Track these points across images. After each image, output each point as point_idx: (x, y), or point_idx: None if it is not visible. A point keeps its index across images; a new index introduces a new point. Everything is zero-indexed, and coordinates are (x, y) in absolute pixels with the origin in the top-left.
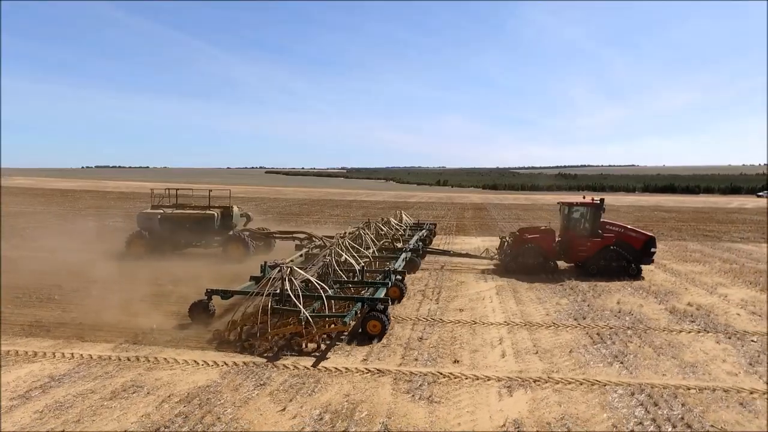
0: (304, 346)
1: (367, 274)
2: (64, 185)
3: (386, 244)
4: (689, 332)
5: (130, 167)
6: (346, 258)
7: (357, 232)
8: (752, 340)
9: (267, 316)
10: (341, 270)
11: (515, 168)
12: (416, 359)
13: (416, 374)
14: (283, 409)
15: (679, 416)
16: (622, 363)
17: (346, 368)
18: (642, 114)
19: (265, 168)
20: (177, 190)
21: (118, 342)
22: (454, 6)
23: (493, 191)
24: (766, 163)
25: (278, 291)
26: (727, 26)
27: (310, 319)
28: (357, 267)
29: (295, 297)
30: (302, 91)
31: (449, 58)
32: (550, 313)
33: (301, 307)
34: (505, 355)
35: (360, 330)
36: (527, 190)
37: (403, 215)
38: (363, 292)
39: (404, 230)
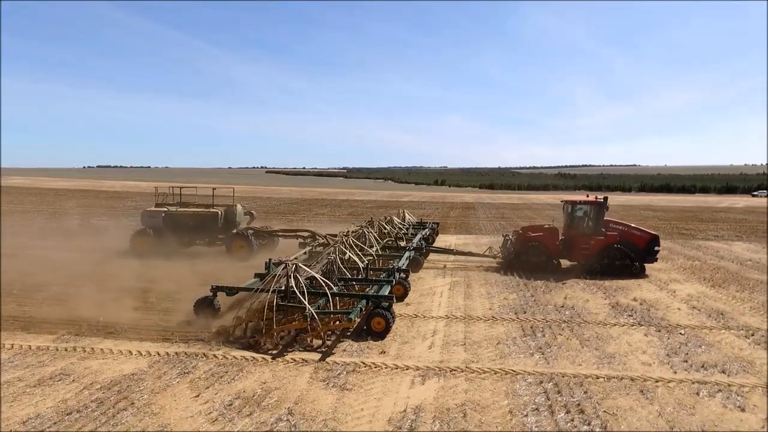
0: (309, 342)
1: (371, 272)
2: (60, 185)
3: (389, 242)
4: (623, 326)
5: (131, 167)
6: (350, 256)
7: (361, 231)
8: (680, 333)
9: (272, 313)
10: (345, 268)
11: (516, 168)
12: (345, 350)
13: (339, 364)
14: (197, 396)
15: (576, 403)
16: (543, 354)
17: (273, 358)
18: (642, 114)
19: (266, 168)
20: (181, 188)
21: (60, 333)
22: (454, 6)
23: (489, 191)
24: (766, 162)
25: (283, 288)
26: (727, 26)
27: (316, 316)
28: (361, 265)
29: (300, 293)
30: (302, 91)
31: (449, 58)
32: (494, 307)
33: (306, 303)
34: (432, 347)
35: (365, 327)
36: (523, 190)
37: (407, 214)
38: (367, 289)
39: (407, 229)
